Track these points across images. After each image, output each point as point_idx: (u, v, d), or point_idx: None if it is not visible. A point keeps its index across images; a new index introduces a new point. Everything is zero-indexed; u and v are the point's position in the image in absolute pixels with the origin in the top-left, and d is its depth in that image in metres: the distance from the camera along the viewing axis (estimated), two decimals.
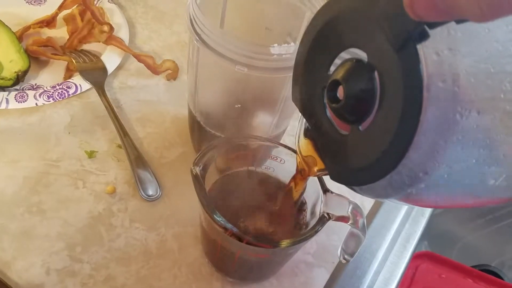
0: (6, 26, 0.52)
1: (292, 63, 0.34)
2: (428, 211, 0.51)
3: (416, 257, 0.60)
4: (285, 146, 0.38)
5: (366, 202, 0.50)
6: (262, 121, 0.42)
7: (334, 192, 0.36)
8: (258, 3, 0.41)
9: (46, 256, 0.39)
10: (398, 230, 0.49)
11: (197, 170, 0.34)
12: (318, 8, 0.37)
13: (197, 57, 0.37)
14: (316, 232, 0.34)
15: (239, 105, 0.39)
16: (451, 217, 0.71)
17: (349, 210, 0.35)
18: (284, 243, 0.33)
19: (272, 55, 0.32)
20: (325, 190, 0.36)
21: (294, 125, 0.55)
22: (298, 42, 0.40)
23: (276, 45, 0.32)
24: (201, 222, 0.38)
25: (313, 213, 0.37)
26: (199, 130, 0.43)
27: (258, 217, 0.38)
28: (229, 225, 0.31)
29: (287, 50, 0.32)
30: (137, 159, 0.47)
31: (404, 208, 0.51)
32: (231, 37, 0.32)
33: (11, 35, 0.51)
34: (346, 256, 0.39)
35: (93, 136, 0.49)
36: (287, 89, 0.37)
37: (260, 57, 0.33)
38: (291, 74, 0.35)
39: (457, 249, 0.71)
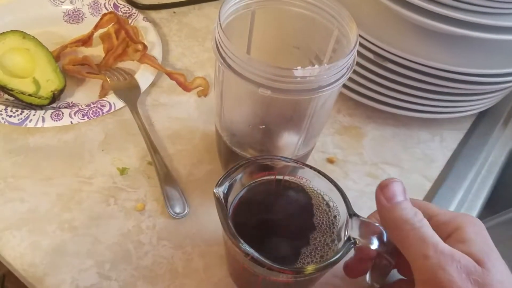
0: (44, 46, 0.54)
1: (316, 84, 0.33)
2: None
3: None
4: (311, 167, 0.37)
5: None
6: (288, 141, 0.41)
7: (361, 216, 0.35)
8: (285, 22, 0.41)
9: (76, 273, 0.40)
10: None
11: (220, 192, 0.34)
12: (346, 27, 0.37)
13: (222, 76, 0.37)
14: (341, 258, 0.33)
15: (264, 126, 0.38)
16: None
17: (377, 235, 0.34)
18: (308, 269, 0.32)
19: (296, 77, 0.32)
20: (351, 214, 0.35)
21: (324, 141, 0.55)
22: (324, 64, 0.40)
23: (299, 67, 0.32)
24: (224, 243, 0.38)
25: (339, 236, 0.36)
26: (225, 149, 0.43)
27: (284, 236, 0.37)
28: (250, 250, 0.31)
29: (311, 73, 0.32)
30: (166, 177, 0.47)
31: None
32: (255, 61, 0.32)
33: (48, 55, 0.53)
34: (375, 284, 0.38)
35: (125, 153, 0.50)
36: (313, 108, 0.37)
37: (284, 80, 0.32)
38: (316, 95, 0.34)
39: None
